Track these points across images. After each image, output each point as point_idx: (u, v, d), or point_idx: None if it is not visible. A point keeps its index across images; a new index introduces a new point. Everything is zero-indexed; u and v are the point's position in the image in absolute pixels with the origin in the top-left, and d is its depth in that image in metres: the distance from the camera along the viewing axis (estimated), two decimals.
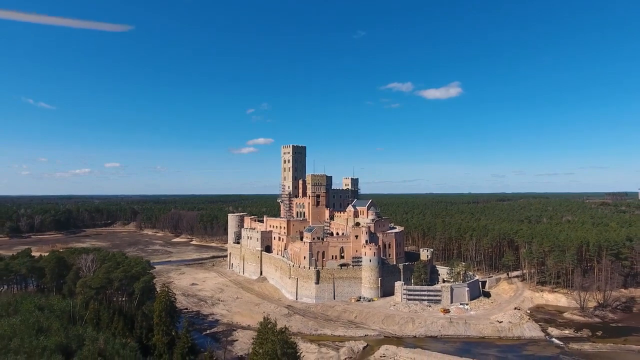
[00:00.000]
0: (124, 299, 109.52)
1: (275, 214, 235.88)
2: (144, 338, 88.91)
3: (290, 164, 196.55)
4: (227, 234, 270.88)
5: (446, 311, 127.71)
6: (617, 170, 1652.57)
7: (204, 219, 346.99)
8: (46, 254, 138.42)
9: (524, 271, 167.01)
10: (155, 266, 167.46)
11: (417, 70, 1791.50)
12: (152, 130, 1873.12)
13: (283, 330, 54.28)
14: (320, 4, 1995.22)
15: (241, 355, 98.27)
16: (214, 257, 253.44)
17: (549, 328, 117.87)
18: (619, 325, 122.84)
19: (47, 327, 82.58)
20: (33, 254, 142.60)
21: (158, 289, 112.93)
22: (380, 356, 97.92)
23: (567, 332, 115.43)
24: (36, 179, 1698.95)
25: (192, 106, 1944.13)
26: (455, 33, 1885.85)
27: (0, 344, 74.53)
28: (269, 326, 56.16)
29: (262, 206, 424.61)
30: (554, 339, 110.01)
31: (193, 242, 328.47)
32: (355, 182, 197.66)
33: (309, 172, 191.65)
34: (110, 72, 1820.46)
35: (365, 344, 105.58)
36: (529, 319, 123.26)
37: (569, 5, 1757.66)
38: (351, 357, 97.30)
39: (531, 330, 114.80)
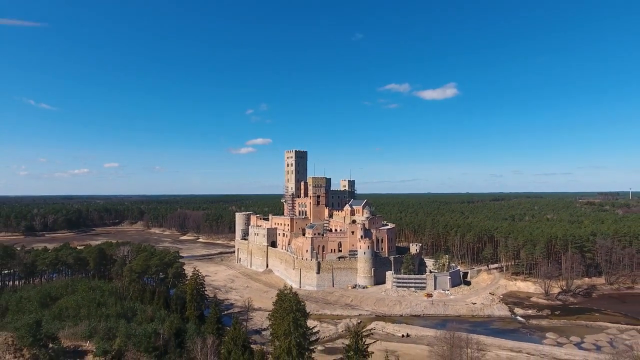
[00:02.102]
0: (155, 283, 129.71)
1: (277, 212, 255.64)
2: (178, 312, 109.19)
3: (293, 168, 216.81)
4: (232, 231, 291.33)
5: (429, 296, 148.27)
6: (615, 170, 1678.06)
7: (209, 218, 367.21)
8: (80, 248, 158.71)
9: (502, 264, 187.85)
10: None
11: (414, 71, 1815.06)
12: (151, 130, 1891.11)
13: (296, 293, 74.44)
14: (319, 7, 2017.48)
15: (256, 329, 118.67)
16: (221, 253, 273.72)
17: (516, 309, 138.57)
18: (577, 306, 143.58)
19: (103, 302, 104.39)
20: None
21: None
22: (372, 329, 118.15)
23: (530, 312, 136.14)
24: (35, 179, 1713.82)
25: (191, 107, 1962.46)
26: (451, 35, 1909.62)
27: (73, 313, 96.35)
28: (285, 292, 76.50)
29: (264, 205, 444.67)
30: (518, 317, 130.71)
31: (200, 240, 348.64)
32: (352, 183, 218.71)
33: (310, 175, 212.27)
34: (109, 72, 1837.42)
35: (359, 321, 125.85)
36: (499, 301, 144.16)
37: (565, 5, 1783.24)
38: (347, 330, 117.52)
39: (500, 310, 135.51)
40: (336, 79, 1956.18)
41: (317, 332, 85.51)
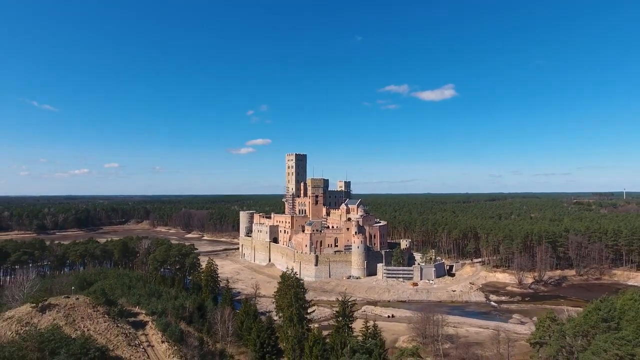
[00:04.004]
0: (172, 273, 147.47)
1: (278, 211, 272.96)
2: (196, 295, 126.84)
3: (294, 170, 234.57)
4: (235, 229, 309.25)
5: (415, 285, 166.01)
6: (613, 170, 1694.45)
7: (213, 217, 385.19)
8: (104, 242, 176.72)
9: (484, 258, 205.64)
10: None
11: (413, 73, 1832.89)
12: (152, 131, 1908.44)
13: (296, 274, 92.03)
14: (319, 10, 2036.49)
15: (262, 312, 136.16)
16: (226, 249, 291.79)
17: (491, 295, 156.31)
18: (546, 294, 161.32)
19: (133, 285, 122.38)
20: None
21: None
22: (362, 311, 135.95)
23: (503, 298, 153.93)
24: (35, 179, 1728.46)
25: (191, 108, 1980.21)
26: (448, 37, 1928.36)
27: (110, 292, 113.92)
28: (287, 273, 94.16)
29: (264, 205, 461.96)
30: (491, 302, 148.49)
31: (205, 238, 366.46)
32: (347, 184, 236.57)
33: (309, 176, 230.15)
34: (110, 73, 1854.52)
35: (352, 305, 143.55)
36: (477, 289, 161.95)
37: (562, 6, 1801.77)
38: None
39: (476, 297, 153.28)
40: (336, 81, 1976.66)
41: (314, 310, 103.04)
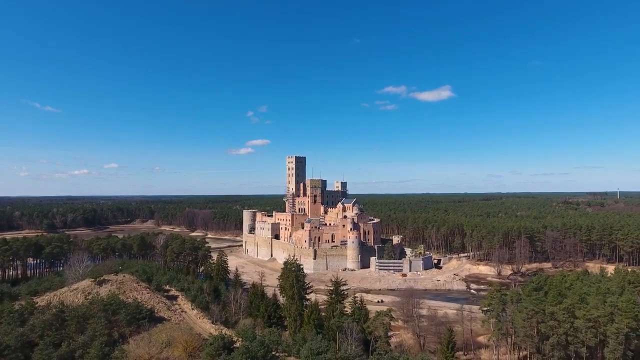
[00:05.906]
0: (186, 264, 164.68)
1: (278, 210, 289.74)
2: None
3: (293, 171, 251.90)
4: (237, 228, 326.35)
5: (404, 275, 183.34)
6: (610, 170, 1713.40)
7: (217, 216, 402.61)
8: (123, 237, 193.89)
9: (470, 253, 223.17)
10: None
11: (410, 74, 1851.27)
12: (151, 131, 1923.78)
13: (297, 259, 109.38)
14: (318, 13, 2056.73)
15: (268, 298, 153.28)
16: (230, 246, 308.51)
17: (471, 284, 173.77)
18: (522, 283, 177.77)
19: (154, 273, 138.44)
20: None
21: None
22: (355, 297, 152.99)
23: (482, 287, 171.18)
24: (34, 179, 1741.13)
25: (191, 108, 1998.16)
26: (445, 39, 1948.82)
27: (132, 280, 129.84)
28: (289, 259, 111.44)
29: (265, 205, 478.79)
30: (471, 290, 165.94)
31: (209, 236, 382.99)
32: (344, 184, 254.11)
33: (308, 177, 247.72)
34: (110, 74, 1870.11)
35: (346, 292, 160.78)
36: (459, 279, 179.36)
37: (560, 7, 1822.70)
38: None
39: (458, 286, 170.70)
40: (335, 82, 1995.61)
41: (312, 292, 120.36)
